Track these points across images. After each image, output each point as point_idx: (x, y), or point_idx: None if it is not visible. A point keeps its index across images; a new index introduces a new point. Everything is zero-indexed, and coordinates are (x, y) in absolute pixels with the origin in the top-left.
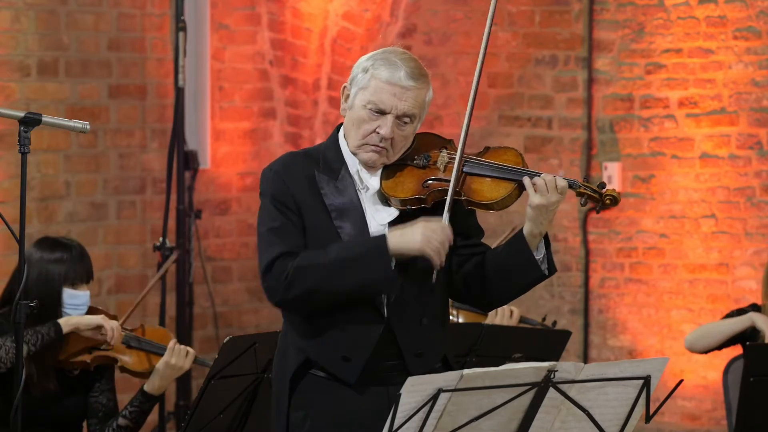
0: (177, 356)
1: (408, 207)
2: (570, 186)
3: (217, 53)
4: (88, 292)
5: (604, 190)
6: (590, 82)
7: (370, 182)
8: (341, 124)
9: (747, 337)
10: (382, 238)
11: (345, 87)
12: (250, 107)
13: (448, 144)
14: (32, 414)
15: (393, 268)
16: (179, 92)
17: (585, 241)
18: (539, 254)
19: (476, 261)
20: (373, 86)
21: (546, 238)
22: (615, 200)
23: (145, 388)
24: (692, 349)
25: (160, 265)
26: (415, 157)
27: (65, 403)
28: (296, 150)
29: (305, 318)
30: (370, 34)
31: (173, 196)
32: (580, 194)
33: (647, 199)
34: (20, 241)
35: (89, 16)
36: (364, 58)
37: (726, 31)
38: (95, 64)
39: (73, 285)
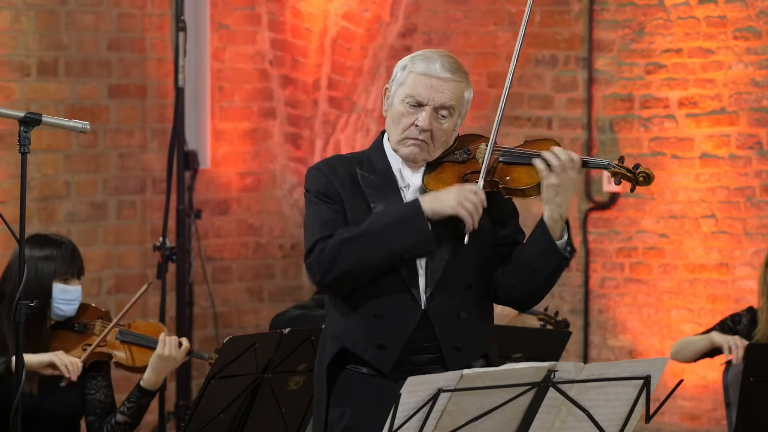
0: (169, 348)
1: None
2: (605, 167)
3: (217, 53)
4: (79, 287)
5: (638, 170)
6: (590, 82)
7: (412, 180)
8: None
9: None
10: (415, 203)
11: (386, 88)
12: (250, 107)
13: (488, 140)
14: (30, 412)
15: (429, 229)
16: (179, 92)
17: (585, 241)
18: (562, 240)
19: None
20: (411, 80)
21: (567, 223)
22: (648, 177)
23: (142, 383)
24: (676, 360)
25: (159, 265)
26: (456, 152)
27: (63, 400)
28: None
29: (343, 306)
30: (370, 34)
31: (173, 196)
32: (614, 174)
33: (647, 199)
34: (20, 241)
35: (89, 16)
36: (405, 57)
37: (726, 31)
38: (95, 64)
39: (65, 280)
